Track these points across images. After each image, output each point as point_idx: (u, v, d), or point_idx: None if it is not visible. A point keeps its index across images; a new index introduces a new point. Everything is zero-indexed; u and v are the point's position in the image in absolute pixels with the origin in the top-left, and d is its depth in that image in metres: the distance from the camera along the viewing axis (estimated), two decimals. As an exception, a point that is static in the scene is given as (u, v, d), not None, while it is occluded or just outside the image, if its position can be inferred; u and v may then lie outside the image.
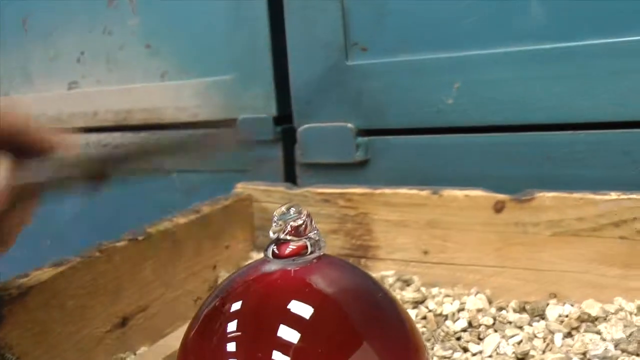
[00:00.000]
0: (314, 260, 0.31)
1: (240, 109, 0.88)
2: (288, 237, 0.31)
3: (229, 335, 0.30)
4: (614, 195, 0.52)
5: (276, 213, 0.31)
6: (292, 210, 0.31)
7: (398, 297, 0.56)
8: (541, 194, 0.54)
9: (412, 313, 0.55)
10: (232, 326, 0.30)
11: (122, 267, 0.52)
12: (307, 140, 0.78)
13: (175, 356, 0.34)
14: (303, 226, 0.31)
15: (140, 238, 0.54)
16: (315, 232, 0.31)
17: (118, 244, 0.52)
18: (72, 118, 1.11)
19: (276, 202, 0.68)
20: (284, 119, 0.85)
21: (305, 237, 0.31)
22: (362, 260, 0.63)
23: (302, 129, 0.78)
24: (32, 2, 1.13)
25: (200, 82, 0.93)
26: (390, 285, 0.58)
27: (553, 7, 0.62)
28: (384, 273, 0.61)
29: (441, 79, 0.68)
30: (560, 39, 0.62)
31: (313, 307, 0.30)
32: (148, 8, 0.98)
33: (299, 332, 0.29)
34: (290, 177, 0.84)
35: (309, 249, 0.31)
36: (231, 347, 0.29)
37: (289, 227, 0.30)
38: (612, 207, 0.52)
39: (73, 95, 1.11)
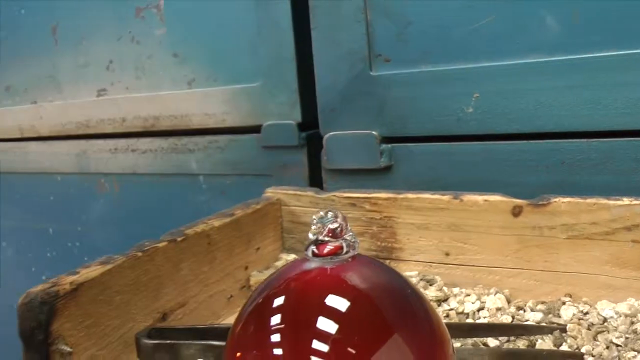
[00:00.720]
0: (349, 259, 0.34)
1: (266, 116, 0.91)
2: (326, 239, 0.34)
3: (272, 327, 0.33)
4: (626, 200, 0.54)
5: (315, 217, 0.34)
6: (330, 214, 0.34)
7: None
8: (557, 199, 0.57)
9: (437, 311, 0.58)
10: (275, 319, 0.33)
11: (162, 266, 0.56)
12: (332, 146, 0.81)
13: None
14: (339, 229, 0.34)
15: (178, 239, 0.58)
16: (350, 234, 0.34)
17: (159, 245, 0.56)
18: (100, 124, 1.14)
19: (305, 206, 0.71)
20: (308, 125, 0.88)
21: (341, 238, 0.34)
22: (387, 262, 0.66)
23: (328, 136, 0.81)
24: (61, 12, 1.16)
25: (227, 90, 0.96)
26: (416, 284, 0.61)
27: (566, 20, 0.65)
28: (408, 273, 0.63)
29: (461, 89, 0.70)
30: (573, 51, 0.64)
31: (348, 302, 0.33)
32: (175, 18, 1.00)
33: (335, 323, 0.32)
34: (315, 182, 0.87)
35: (345, 249, 0.34)
36: (275, 337, 0.33)
37: (326, 229, 0.34)
38: (624, 212, 0.54)
39: (102, 101, 1.14)
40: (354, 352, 0.32)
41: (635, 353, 0.46)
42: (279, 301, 0.34)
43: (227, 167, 0.99)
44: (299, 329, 0.33)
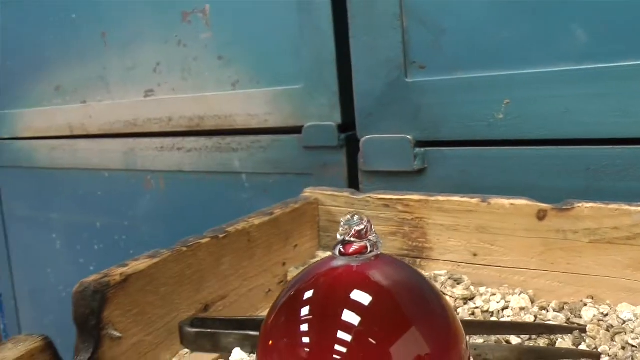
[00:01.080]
0: (373, 258, 0.38)
1: (307, 117, 0.94)
2: (352, 239, 0.37)
3: (302, 318, 0.36)
4: None
5: (343, 219, 0.37)
6: (356, 217, 0.37)
7: (449, 294, 0.62)
8: (580, 204, 0.59)
9: (461, 309, 0.61)
10: (305, 311, 0.37)
11: (205, 261, 0.59)
12: (369, 149, 0.84)
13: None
14: (364, 230, 0.37)
15: (220, 236, 0.61)
16: (374, 235, 0.37)
17: (202, 241, 0.59)
18: (147, 123, 1.18)
19: (341, 207, 0.74)
20: (347, 126, 0.90)
21: (366, 239, 0.37)
22: (418, 261, 0.69)
23: (364, 139, 0.84)
24: (111, 17, 1.21)
25: (270, 91, 0.99)
26: (442, 284, 0.64)
27: (594, 31, 0.67)
28: (437, 272, 0.66)
29: (492, 95, 0.73)
30: (600, 60, 0.66)
31: (371, 297, 0.36)
32: (220, 22, 1.04)
33: (359, 316, 0.36)
34: (353, 181, 0.90)
35: (369, 249, 0.37)
36: (304, 327, 0.36)
37: (353, 231, 0.37)
38: None
39: (149, 102, 1.18)
40: (374, 342, 0.35)
41: (648, 353, 0.49)
42: (308, 295, 0.37)
43: (269, 166, 1.02)
44: (326, 320, 0.36)
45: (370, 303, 0.36)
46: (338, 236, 0.38)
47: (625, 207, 0.57)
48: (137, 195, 1.25)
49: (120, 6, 1.18)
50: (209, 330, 0.53)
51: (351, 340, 0.35)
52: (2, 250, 1.70)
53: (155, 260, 0.54)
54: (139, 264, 0.53)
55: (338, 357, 0.35)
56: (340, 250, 0.37)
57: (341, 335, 0.35)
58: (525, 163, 0.73)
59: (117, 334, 0.50)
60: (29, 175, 1.52)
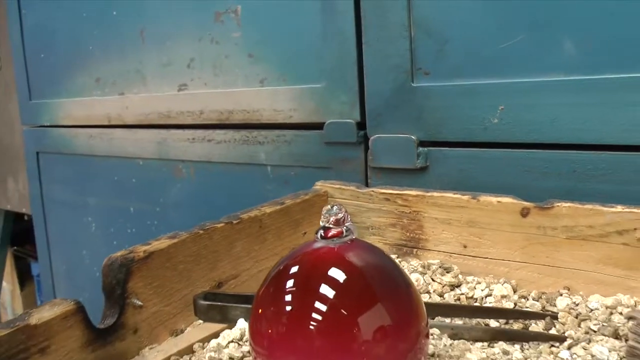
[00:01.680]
0: (349, 242, 0.44)
1: (328, 114, 1.00)
2: (331, 225, 0.44)
3: (286, 290, 0.44)
4: (619, 208, 0.62)
5: (324, 209, 0.44)
6: (335, 207, 0.44)
7: (438, 280, 0.69)
8: (559, 204, 0.65)
9: (448, 294, 0.67)
10: (289, 283, 0.44)
11: (219, 243, 0.66)
12: (377, 147, 0.91)
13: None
14: (342, 219, 0.44)
15: (234, 222, 0.69)
16: (350, 223, 0.44)
17: (217, 225, 0.67)
18: (180, 115, 1.26)
19: (347, 199, 0.80)
20: (364, 125, 0.96)
21: (343, 226, 0.44)
22: (414, 250, 0.75)
23: (373, 137, 0.91)
24: (149, 15, 1.28)
25: (295, 89, 1.05)
26: (434, 272, 0.70)
27: (581, 45, 0.73)
28: (430, 261, 0.73)
29: (489, 101, 0.79)
30: (586, 72, 0.72)
31: (345, 275, 0.43)
32: (251, 22, 1.10)
33: (333, 290, 0.42)
34: (367, 177, 0.96)
35: (345, 234, 0.44)
36: (287, 297, 0.43)
37: (332, 218, 0.44)
38: (616, 218, 0.62)
39: (182, 96, 1.25)
40: (345, 313, 0.42)
41: (603, 337, 0.55)
42: (293, 270, 0.44)
43: (292, 159, 1.08)
44: (306, 292, 0.43)
45: (344, 280, 0.43)
46: (321, 223, 0.44)
47: (599, 207, 0.63)
48: (168, 183, 1.33)
49: (159, 5, 1.26)
50: (219, 304, 0.60)
51: (326, 310, 0.42)
52: (41, 232, 1.78)
53: (174, 241, 0.62)
54: (160, 243, 0.61)
55: (314, 324, 0.42)
56: (321, 234, 0.44)
57: (318, 305, 0.42)
58: (517, 164, 0.79)
59: (139, 302, 0.58)
60: (67, 161, 1.61)
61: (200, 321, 0.62)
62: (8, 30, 1.74)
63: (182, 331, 0.62)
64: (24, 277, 2.91)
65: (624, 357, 0.50)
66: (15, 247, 2.74)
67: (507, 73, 0.78)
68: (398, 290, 0.45)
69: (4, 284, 2.73)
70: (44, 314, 0.51)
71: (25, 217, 2.38)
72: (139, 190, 1.42)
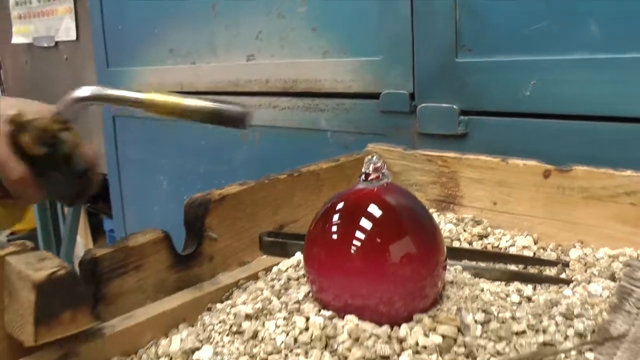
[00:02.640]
0: (385, 184, 0.56)
1: (384, 85, 1.09)
2: (371, 171, 0.55)
3: (333, 222, 0.55)
4: (629, 172, 0.70)
5: (366, 159, 0.55)
6: (375, 157, 0.55)
7: (468, 231, 0.79)
8: (577, 167, 0.74)
9: (476, 243, 0.77)
10: (336, 217, 0.55)
11: (281, 191, 0.78)
12: (423, 115, 1.01)
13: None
14: (380, 166, 0.55)
15: (295, 174, 0.80)
16: (385, 170, 0.55)
17: (280, 177, 0.78)
18: (248, 84, 1.36)
19: (395, 159, 0.90)
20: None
21: (380, 172, 0.55)
22: (451, 206, 0.85)
23: (420, 106, 1.01)
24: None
25: (355, 61, 1.14)
26: (466, 223, 0.80)
27: (606, 27, 0.81)
28: (464, 215, 0.83)
29: (522, 76, 0.88)
30: (610, 51, 0.81)
31: (381, 210, 0.54)
32: (315, -1, 1.19)
33: (371, 223, 0.54)
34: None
35: (382, 178, 0.55)
36: (334, 228, 0.55)
37: (372, 166, 0.55)
38: (626, 181, 0.70)
39: (250, 65, 1.36)
40: (379, 241, 0.53)
41: (602, 279, 0.64)
42: (339, 207, 0.56)
43: (350, 126, 1.18)
44: (349, 224, 0.54)
45: (380, 215, 0.54)
46: (363, 169, 0.56)
47: (611, 171, 0.72)
48: (236, 145, 1.44)
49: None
50: (281, 240, 0.71)
51: (364, 238, 0.53)
52: (116, 190, 1.92)
53: (244, 187, 0.74)
54: (232, 189, 0.73)
55: (354, 249, 0.53)
56: (363, 178, 0.56)
57: (358, 234, 0.54)
58: (545, 132, 0.88)
59: (214, 235, 0.70)
60: (141, 124, 1.73)
61: (264, 256, 0.74)
62: (87, 4, 1.87)
63: (248, 263, 0.73)
64: (97, 232, 3.09)
65: (614, 293, 0.60)
66: (88, 204, 2.90)
67: (539, 51, 0.87)
68: (423, 227, 0.56)
69: (78, 238, 2.90)
70: (138, 239, 0.63)
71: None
72: (209, 152, 1.53)
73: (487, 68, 0.93)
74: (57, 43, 2.34)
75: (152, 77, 1.65)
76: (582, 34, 0.83)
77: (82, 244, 3.04)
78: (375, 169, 0.55)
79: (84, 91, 0.65)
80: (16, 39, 2.58)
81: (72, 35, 2.24)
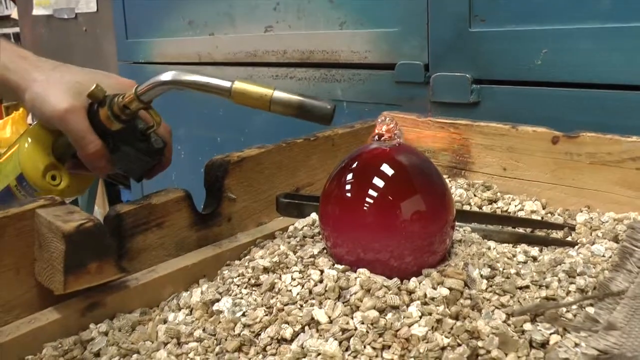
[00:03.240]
0: (397, 144, 0.58)
1: (400, 56, 1.11)
2: (384, 131, 0.58)
3: (347, 181, 0.58)
4: (634, 138, 0.72)
5: (379, 119, 0.58)
6: (387, 119, 0.58)
7: (478, 196, 0.81)
8: (584, 133, 0.76)
9: (486, 207, 0.80)
10: (349, 176, 0.58)
11: (298, 155, 0.80)
12: (437, 84, 1.03)
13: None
14: (392, 126, 0.58)
15: (311, 139, 0.82)
16: (397, 131, 0.58)
17: (297, 140, 0.81)
18: (265, 54, 1.38)
19: (408, 126, 0.93)
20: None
21: (393, 133, 0.58)
22: (462, 172, 0.88)
23: (434, 76, 1.03)
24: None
25: (371, 32, 1.16)
26: (476, 188, 0.83)
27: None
28: (475, 180, 0.85)
29: (534, 45, 0.90)
30: (619, 20, 0.83)
31: (393, 169, 0.57)
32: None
33: (383, 181, 0.56)
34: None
35: (394, 138, 0.58)
36: (348, 186, 0.57)
37: (384, 127, 0.58)
38: (632, 147, 0.72)
39: (268, 36, 1.37)
40: (391, 198, 0.56)
41: (605, 240, 0.67)
42: (353, 165, 0.58)
43: (366, 96, 1.20)
44: (362, 182, 0.57)
45: (392, 174, 0.57)
46: (376, 130, 0.58)
47: (617, 137, 0.74)
48: (253, 115, 1.45)
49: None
50: (296, 201, 0.74)
51: (376, 196, 0.56)
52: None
53: (262, 150, 0.76)
54: (251, 151, 0.75)
55: (367, 206, 0.56)
56: (375, 138, 0.58)
57: (370, 192, 0.56)
58: (555, 100, 0.90)
59: (233, 196, 0.73)
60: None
61: (281, 217, 0.77)
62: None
63: (265, 223, 0.76)
64: (114, 202, 3.13)
65: (616, 253, 0.62)
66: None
67: (550, 20, 0.89)
68: (434, 186, 0.58)
69: (96, 207, 2.94)
70: (161, 197, 0.66)
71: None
72: (226, 121, 1.55)
73: (499, 38, 0.95)
74: (76, 15, 2.37)
75: (171, 47, 1.67)
76: (592, 3, 0.85)
77: (100, 214, 3.08)
78: (388, 130, 0.57)
79: (168, 75, 0.68)
80: (37, 11, 2.61)
81: (93, 7, 2.26)
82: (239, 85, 0.63)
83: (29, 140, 0.73)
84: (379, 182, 0.56)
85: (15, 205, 0.57)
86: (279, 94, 0.62)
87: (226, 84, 0.65)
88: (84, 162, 0.72)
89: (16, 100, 0.72)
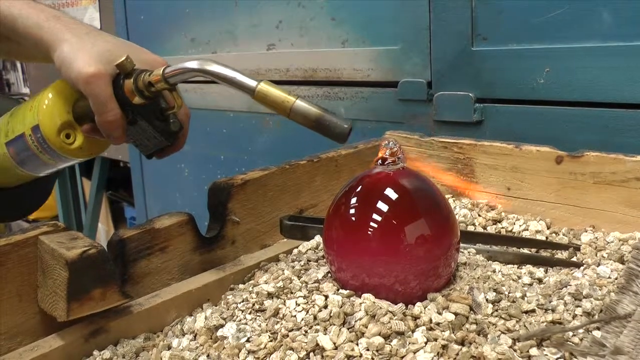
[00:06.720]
0: (400, 168, 0.58)
1: (402, 74, 1.11)
2: (387, 156, 0.58)
3: (351, 205, 0.58)
4: (638, 157, 0.72)
5: (382, 143, 0.58)
6: (391, 142, 0.58)
7: (483, 216, 0.81)
8: (588, 153, 0.75)
9: (490, 228, 0.79)
10: (353, 200, 0.58)
11: (301, 177, 0.80)
12: (439, 103, 1.03)
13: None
14: (396, 150, 0.57)
15: (315, 160, 0.82)
16: (401, 155, 0.58)
17: (300, 162, 0.81)
18: (268, 72, 1.38)
19: (411, 146, 0.93)
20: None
21: (396, 157, 0.58)
22: (466, 191, 0.87)
23: (437, 94, 1.03)
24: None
25: (373, 50, 1.16)
26: (480, 208, 0.83)
27: (617, 16, 0.83)
28: (479, 200, 0.85)
29: (536, 64, 0.90)
30: (621, 39, 0.83)
31: (397, 193, 0.57)
32: (335, -11, 1.20)
33: (387, 205, 0.56)
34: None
35: (398, 162, 0.58)
36: (352, 211, 0.57)
37: (388, 150, 0.57)
38: (636, 166, 0.72)
39: (271, 54, 1.37)
40: (395, 223, 0.56)
41: (609, 261, 0.66)
42: (357, 189, 0.58)
43: (369, 114, 1.20)
44: (366, 206, 0.57)
45: (396, 198, 0.57)
46: (379, 154, 0.58)
47: (622, 156, 0.73)
48: (256, 133, 1.46)
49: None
50: (300, 224, 0.74)
51: (380, 220, 0.56)
52: (138, 177, 1.95)
53: (265, 172, 0.76)
54: (254, 174, 0.75)
55: (371, 230, 0.56)
56: (379, 162, 0.58)
57: (375, 216, 0.56)
58: (558, 119, 0.90)
59: (237, 219, 0.72)
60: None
61: (285, 239, 0.77)
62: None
63: (269, 246, 0.76)
64: (118, 219, 3.14)
65: (622, 275, 0.62)
66: (110, 192, 2.93)
67: (553, 39, 0.89)
68: (438, 209, 0.58)
69: (100, 225, 2.95)
70: (164, 221, 0.66)
71: (121, 164, 2.56)
72: (229, 140, 1.55)
73: (502, 56, 0.95)
74: (80, 33, 2.37)
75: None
76: (594, 22, 0.85)
77: (104, 231, 3.09)
78: (392, 154, 0.57)
79: (198, 63, 0.68)
80: (40, 29, 2.62)
81: (96, 25, 2.27)
82: (263, 86, 0.64)
83: (52, 94, 0.72)
84: (383, 206, 0.56)
85: (18, 233, 0.57)
86: (300, 103, 0.62)
87: (252, 82, 0.66)
88: (100, 128, 0.71)
89: (47, 62, 0.72)
